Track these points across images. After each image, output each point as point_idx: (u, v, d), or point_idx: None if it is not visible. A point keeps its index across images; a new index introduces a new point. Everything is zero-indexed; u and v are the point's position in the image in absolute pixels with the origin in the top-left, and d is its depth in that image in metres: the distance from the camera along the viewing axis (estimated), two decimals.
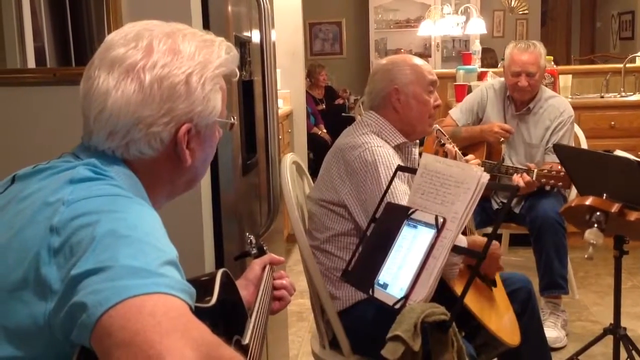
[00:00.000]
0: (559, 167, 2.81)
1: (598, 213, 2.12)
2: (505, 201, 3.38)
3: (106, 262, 0.84)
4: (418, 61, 2.21)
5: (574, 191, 3.23)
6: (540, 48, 3.36)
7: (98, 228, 0.87)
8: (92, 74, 1.05)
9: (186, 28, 1.11)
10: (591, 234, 2.10)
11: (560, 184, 2.88)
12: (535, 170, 3.01)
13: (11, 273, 0.91)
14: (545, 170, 2.97)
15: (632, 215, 2.10)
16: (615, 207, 2.10)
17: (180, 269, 0.91)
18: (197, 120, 1.07)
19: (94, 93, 1.04)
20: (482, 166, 3.08)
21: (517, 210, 3.38)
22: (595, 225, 2.11)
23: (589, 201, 2.16)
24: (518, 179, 3.06)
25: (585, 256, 2.15)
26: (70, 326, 0.84)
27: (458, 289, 1.84)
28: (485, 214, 3.35)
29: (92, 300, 0.81)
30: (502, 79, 3.53)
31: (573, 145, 3.41)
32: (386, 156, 2.03)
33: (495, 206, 3.44)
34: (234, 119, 1.21)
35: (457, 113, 3.58)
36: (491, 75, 4.88)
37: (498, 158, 3.35)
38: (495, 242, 2.11)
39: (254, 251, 1.63)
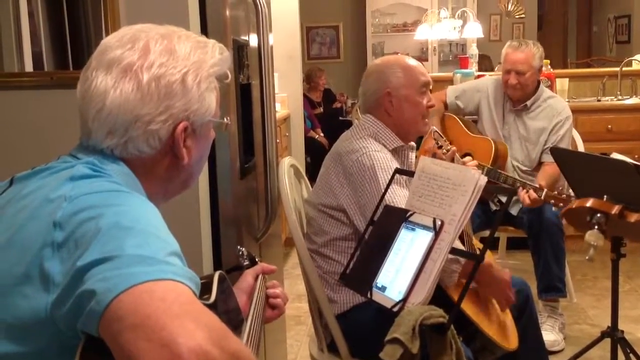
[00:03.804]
0: (570, 192, 2.71)
1: (599, 215, 2.12)
2: (503, 201, 3.37)
3: (112, 252, 0.85)
4: (411, 62, 2.20)
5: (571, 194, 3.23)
6: (534, 48, 3.37)
7: (102, 221, 0.89)
8: (90, 75, 1.07)
9: (181, 30, 1.13)
10: (592, 236, 2.10)
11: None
12: (545, 190, 2.93)
13: (13, 269, 0.92)
14: (556, 193, 2.89)
15: (633, 217, 2.09)
16: (615, 209, 2.10)
17: (184, 261, 0.92)
18: (193, 118, 1.09)
19: (92, 93, 1.05)
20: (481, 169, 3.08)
21: (514, 212, 3.38)
22: (596, 226, 2.11)
23: (589, 203, 2.16)
24: (524, 196, 2.98)
25: (587, 258, 2.13)
26: (76, 315, 0.84)
27: (455, 294, 1.84)
28: (484, 216, 3.34)
29: (101, 287, 0.82)
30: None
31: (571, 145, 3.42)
32: (384, 160, 2.03)
33: (493, 207, 3.44)
34: (227, 119, 1.24)
35: (452, 90, 3.62)
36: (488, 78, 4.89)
37: (504, 163, 3.33)
38: (507, 271, 2.04)
39: (246, 262, 1.62)
